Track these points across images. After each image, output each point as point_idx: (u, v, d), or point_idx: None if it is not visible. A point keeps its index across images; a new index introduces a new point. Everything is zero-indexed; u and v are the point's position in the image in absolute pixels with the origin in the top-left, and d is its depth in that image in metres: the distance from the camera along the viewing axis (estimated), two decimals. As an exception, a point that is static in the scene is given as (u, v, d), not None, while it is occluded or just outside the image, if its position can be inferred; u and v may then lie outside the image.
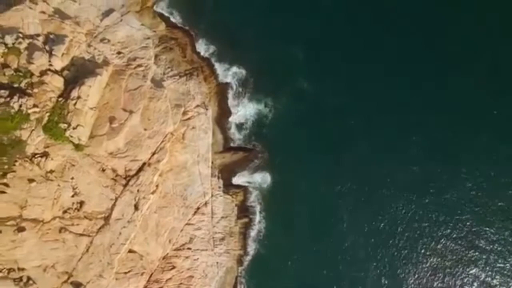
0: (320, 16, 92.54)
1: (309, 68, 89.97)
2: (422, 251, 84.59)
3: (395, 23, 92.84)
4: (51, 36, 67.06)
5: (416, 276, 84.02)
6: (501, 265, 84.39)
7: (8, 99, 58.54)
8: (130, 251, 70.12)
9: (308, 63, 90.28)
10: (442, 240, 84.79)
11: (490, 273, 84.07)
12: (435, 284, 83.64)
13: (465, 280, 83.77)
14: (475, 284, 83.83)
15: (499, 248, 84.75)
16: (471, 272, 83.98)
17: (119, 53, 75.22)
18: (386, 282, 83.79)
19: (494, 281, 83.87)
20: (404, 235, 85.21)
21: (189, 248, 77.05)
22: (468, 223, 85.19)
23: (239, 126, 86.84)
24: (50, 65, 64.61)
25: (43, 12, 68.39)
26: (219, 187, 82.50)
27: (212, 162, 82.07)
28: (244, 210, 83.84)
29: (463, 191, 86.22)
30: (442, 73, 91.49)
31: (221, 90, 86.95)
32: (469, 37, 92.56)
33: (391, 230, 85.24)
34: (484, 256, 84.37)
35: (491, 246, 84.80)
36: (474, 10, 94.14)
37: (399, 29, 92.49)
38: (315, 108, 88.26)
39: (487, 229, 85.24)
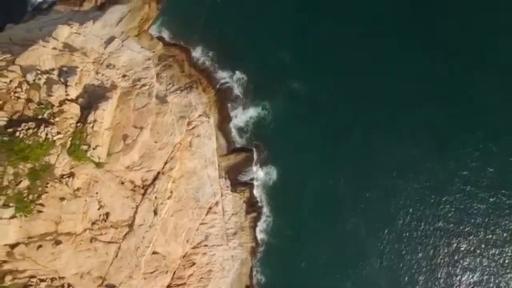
0: (306, 19, 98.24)
1: (299, 69, 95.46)
2: (418, 232, 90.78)
3: (377, 23, 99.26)
4: (64, 69, 72.19)
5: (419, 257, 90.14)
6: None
7: (35, 129, 63.52)
8: (154, 252, 75.45)
9: (298, 65, 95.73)
10: (447, 227, 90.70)
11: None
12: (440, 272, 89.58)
13: (461, 255, 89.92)
14: (468, 255, 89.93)
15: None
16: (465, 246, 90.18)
17: (124, 76, 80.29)
18: (389, 263, 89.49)
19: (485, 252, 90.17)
20: (405, 219, 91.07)
21: (205, 245, 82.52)
22: (459, 202, 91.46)
23: (240, 130, 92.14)
24: (67, 95, 69.75)
25: (55, 48, 73.60)
26: (227, 187, 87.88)
27: (219, 165, 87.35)
28: (252, 206, 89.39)
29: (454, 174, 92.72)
30: (425, 64, 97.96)
31: (220, 98, 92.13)
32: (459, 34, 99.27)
33: (391, 214, 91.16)
34: (476, 231, 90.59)
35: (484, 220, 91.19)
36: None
37: (380, 28, 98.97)
38: (309, 105, 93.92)
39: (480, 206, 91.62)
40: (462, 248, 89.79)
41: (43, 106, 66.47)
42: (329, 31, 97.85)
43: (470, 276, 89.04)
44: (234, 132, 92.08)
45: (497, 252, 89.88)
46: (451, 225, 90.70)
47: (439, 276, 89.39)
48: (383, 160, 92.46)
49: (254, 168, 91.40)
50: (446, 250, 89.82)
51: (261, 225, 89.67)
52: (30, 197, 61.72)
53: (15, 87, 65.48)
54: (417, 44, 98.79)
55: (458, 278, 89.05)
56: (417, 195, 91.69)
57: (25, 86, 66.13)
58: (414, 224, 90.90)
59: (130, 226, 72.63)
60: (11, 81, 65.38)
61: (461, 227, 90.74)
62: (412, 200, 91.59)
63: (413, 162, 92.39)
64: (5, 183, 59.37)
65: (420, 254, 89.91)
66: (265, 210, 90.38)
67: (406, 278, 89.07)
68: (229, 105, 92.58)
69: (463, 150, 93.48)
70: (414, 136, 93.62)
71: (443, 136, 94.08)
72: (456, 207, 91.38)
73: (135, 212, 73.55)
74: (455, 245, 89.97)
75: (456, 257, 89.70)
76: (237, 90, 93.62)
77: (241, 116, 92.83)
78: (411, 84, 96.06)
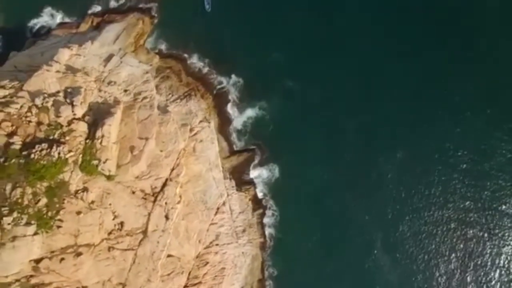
0: (297, 20, 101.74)
1: (293, 68, 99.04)
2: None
3: (365, 20, 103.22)
4: (69, 90, 75.16)
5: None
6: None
7: (48, 150, 66.63)
8: (169, 255, 78.95)
9: (292, 64, 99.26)
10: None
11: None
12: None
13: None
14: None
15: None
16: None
17: (125, 91, 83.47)
18: (392, 244, 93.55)
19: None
20: (407, 206, 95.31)
21: (217, 244, 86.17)
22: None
23: (240, 131, 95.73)
24: (74, 114, 72.79)
25: (58, 71, 76.73)
26: (233, 187, 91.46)
27: (223, 167, 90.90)
28: (257, 203, 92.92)
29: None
30: (411, 56, 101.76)
31: (218, 102, 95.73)
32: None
33: (391, 198, 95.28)
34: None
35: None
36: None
37: (368, 24, 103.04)
38: (305, 102, 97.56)
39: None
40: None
41: (53, 127, 69.75)
42: (320, 30, 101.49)
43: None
44: (234, 134, 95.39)
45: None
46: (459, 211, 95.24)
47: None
48: (379, 147, 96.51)
49: (257, 166, 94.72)
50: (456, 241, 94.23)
51: (268, 221, 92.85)
52: (49, 213, 65.20)
53: (26, 112, 68.73)
54: (406, 35, 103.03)
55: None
56: (412, 177, 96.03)
57: (34, 110, 69.30)
58: (414, 206, 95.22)
59: (144, 232, 75.92)
60: (21, 106, 68.57)
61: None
62: (408, 182, 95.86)
63: (407, 148, 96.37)
64: (25, 202, 62.90)
65: (421, 235, 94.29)
66: (271, 206, 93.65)
67: (413, 263, 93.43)
68: (227, 108, 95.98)
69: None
70: (404, 123, 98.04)
71: (434, 125, 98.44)
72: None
73: (148, 219, 76.79)
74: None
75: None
76: (234, 94, 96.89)
77: (240, 118, 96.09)
78: (400, 76, 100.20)
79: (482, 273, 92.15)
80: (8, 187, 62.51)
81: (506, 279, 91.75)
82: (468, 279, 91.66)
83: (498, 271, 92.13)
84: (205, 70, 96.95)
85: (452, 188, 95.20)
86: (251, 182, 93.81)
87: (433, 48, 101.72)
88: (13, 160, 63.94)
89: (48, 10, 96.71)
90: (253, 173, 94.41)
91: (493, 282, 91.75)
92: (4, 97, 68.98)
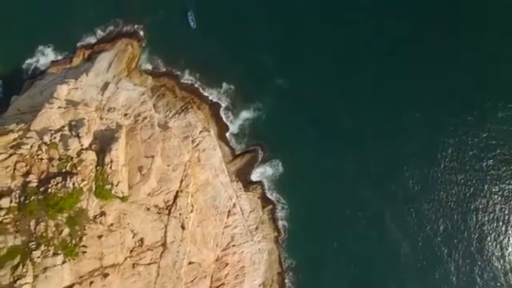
0: (275, 23, 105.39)
1: (281, 67, 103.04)
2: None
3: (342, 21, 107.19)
4: (73, 123, 78.17)
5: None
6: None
7: (63, 182, 69.71)
8: (190, 262, 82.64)
9: (279, 63, 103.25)
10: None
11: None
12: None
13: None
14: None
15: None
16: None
17: (125, 114, 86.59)
18: (402, 220, 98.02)
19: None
20: (409, 181, 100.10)
21: (233, 245, 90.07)
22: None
23: (238, 134, 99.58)
24: (81, 145, 75.78)
25: (60, 107, 79.88)
26: (240, 188, 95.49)
27: (228, 171, 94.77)
28: (266, 199, 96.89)
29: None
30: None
31: (214, 111, 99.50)
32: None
33: (390, 176, 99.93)
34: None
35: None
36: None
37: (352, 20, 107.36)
38: (296, 97, 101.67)
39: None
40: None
41: (64, 160, 72.98)
42: (302, 28, 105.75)
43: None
44: (234, 138, 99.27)
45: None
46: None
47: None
48: (374, 133, 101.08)
49: (260, 165, 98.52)
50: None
51: (279, 215, 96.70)
52: (73, 241, 68.83)
53: (36, 151, 71.93)
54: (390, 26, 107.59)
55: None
56: (407, 159, 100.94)
57: (44, 147, 72.54)
58: (418, 182, 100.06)
59: (164, 245, 79.38)
60: (31, 146, 71.76)
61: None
62: (405, 159, 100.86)
63: (399, 131, 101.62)
64: (50, 234, 66.61)
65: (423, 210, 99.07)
66: (279, 200, 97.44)
67: (421, 236, 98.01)
68: (223, 115, 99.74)
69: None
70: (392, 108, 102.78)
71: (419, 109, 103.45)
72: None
73: (165, 232, 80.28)
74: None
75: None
76: (227, 100, 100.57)
77: (237, 122, 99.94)
78: (387, 66, 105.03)
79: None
80: (32, 223, 66.05)
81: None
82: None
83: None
84: (198, 82, 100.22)
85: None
86: (257, 181, 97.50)
87: (405, 49, 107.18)
88: (33, 198, 67.31)
89: (39, 49, 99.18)
90: (258, 172, 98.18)
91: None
92: (14, 140, 72.16)
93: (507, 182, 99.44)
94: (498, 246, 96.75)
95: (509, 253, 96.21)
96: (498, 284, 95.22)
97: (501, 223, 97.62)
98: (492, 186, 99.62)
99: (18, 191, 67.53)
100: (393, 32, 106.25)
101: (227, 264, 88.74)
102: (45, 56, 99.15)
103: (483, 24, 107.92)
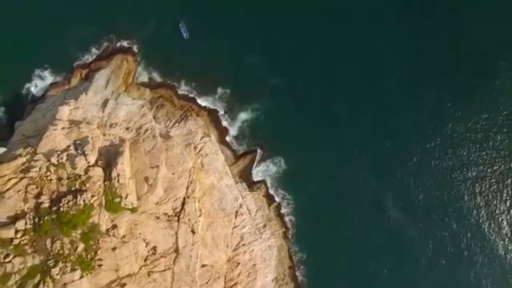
0: (265, 26, 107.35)
1: (273, 66, 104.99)
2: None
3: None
4: (78, 142, 79.96)
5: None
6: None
7: (74, 200, 71.70)
8: (203, 265, 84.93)
9: (271, 63, 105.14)
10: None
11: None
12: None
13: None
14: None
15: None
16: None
17: (127, 128, 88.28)
18: (404, 204, 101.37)
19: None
20: (410, 167, 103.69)
21: (243, 245, 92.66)
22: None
23: (238, 136, 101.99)
24: (88, 162, 77.67)
25: (63, 128, 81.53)
26: (245, 189, 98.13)
27: (231, 173, 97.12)
28: (271, 197, 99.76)
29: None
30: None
31: (213, 116, 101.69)
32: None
33: (390, 163, 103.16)
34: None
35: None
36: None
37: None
38: (290, 95, 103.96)
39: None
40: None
41: (72, 179, 74.91)
42: (291, 27, 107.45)
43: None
44: (234, 140, 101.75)
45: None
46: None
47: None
48: (372, 124, 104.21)
49: (263, 164, 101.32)
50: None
51: (285, 210, 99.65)
52: (89, 256, 70.94)
53: (45, 172, 73.76)
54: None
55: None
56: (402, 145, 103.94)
57: (52, 168, 74.39)
58: (417, 169, 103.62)
59: (176, 250, 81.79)
60: (40, 168, 73.62)
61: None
62: (404, 147, 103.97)
63: (389, 120, 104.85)
64: (66, 251, 68.78)
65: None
66: (284, 196, 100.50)
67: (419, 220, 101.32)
68: (222, 119, 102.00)
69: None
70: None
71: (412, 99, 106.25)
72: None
73: (176, 238, 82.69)
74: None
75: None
76: (226, 104, 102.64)
77: (236, 124, 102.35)
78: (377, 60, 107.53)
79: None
80: (48, 242, 68.31)
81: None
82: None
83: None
84: (194, 90, 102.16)
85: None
86: (261, 180, 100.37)
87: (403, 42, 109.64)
88: (46, 218, 69.39)
89: (36, 72, 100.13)
90: (260, 171, 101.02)
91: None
92: (23, 164, 73.95)
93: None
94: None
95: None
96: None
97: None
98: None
99: (31, 213, 69.34)
100: (386, 26, 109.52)
101: (238, 263, 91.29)
102: (43, 79, 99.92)
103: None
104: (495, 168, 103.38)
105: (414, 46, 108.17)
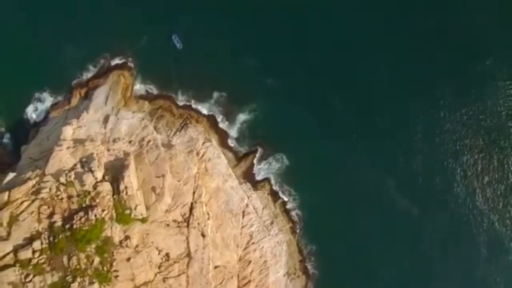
0: (255, 28, 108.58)
1: (265, 68, 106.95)
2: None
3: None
4: (84, 160, 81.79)
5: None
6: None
7: (86, 216, 73.86)
8: (215, 267, 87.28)
9: (263, 65, 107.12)
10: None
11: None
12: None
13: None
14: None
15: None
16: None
17: (130, 142, 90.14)
18: (406, 189, 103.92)
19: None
20: (410, 154, 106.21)
21: (253, 243, 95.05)
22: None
23: (239, 138, 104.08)
24: (95, 178, 79.47)
25: (68, 147, 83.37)
26: (250, 189, 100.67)
27: (235, 174, 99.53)
28: (275, 194, 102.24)
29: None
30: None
31: (212, 121, 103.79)
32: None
33: (388, 151, 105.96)
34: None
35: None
36: None
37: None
38: (287, 93, 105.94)
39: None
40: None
41: (82, 196, 77.01)
42: (281, 28, 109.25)
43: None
44: (235, 143, 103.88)
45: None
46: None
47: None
48: (366, 112, 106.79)
49: (265, 162, 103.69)
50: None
51: (291, 206, 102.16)
52: (105, 268, 73.38)
53: (56, 192, 75.93)
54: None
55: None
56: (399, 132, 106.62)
57: (62, 188, 76.50)
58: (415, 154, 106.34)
59: (188, 255, 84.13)
60: (50, 189, 75.93)
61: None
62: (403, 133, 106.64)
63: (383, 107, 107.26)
64: (83, 266, 71.27)
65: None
66: (289, 191, 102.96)
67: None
68: (221, 123, 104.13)
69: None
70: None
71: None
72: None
73: (188, 243, 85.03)
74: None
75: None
76: (223, 108, 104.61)
77: (235, 126, 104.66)
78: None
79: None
80: (65, 259, 70.77)
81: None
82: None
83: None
84: (192, 97, 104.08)
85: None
86: (264, 178, 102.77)
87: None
88: (61, 236, 71.69)
89: (36, 96, 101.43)
90: (264, 169, 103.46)
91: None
92: (33, 186, 76.01)
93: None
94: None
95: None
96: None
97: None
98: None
99: (46, 233, 71.60)
100: (379, 20, 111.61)
101: (250, 261, 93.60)
102: (42, 102, 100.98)
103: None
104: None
105: (406, 35, 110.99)
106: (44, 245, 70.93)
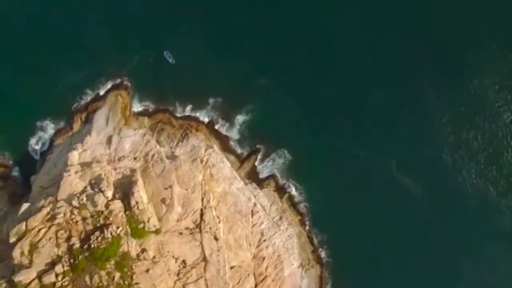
0: (247, 30, 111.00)
1: (258, 69, 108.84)
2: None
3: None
4: (93, 181, 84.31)
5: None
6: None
7: (102, 235, 77.05)
8: (231, 267, 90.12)
9: (255, 66, 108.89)
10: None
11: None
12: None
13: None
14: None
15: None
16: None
17: (135, 158, 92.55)
18: (408, 169, 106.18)
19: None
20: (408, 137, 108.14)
21: (264, 240, 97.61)
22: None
23: (240, 140, 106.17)
24: (106, 198, 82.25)
25: (77, 172, 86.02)
26: (255, 188, 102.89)
27: (240, 176, 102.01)
28: (281, 190, 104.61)
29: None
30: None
31: (212, 127, 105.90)
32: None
33: (386, 144, 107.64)
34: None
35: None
36: None
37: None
38: (281, 91, 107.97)
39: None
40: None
41: (96, 216, 79.91)
42: (271, 28, 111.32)
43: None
44: (236, 145, 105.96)
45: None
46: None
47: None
48: (361, 100, 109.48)
49: (267, 160, 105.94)
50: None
51: (298, 199, 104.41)
52: (126, 282, 76.83)
53: (70, 216, 79.02)
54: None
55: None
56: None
57: (75, 211, 79.55)
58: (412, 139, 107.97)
59: (204, 259, 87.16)
60: (64, 214, 79.09)
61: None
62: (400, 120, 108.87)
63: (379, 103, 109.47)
64: (105, 283, 74.80)
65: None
66: (295, 185, 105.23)
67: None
68: (220, 128, 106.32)
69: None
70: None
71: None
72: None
73: (202, 247, 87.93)
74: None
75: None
76: (221, 114, 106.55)
77: (235, 128, 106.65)
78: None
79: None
80: (87, 278, 74.33)
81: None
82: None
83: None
84: (189, 107, 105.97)
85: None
86: (268, 176, 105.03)
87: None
88: (80, 257, 75.09)
89: (38, 125, 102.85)
90: (268, 166, 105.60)
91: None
92: (48, 213, 79.19)
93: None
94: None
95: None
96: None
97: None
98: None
99: (66, 256, 75.13)
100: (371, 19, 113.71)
101: (264, 258, 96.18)
102: (45, 130, 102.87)
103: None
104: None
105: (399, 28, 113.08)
106: (65, 268, 74.37)
